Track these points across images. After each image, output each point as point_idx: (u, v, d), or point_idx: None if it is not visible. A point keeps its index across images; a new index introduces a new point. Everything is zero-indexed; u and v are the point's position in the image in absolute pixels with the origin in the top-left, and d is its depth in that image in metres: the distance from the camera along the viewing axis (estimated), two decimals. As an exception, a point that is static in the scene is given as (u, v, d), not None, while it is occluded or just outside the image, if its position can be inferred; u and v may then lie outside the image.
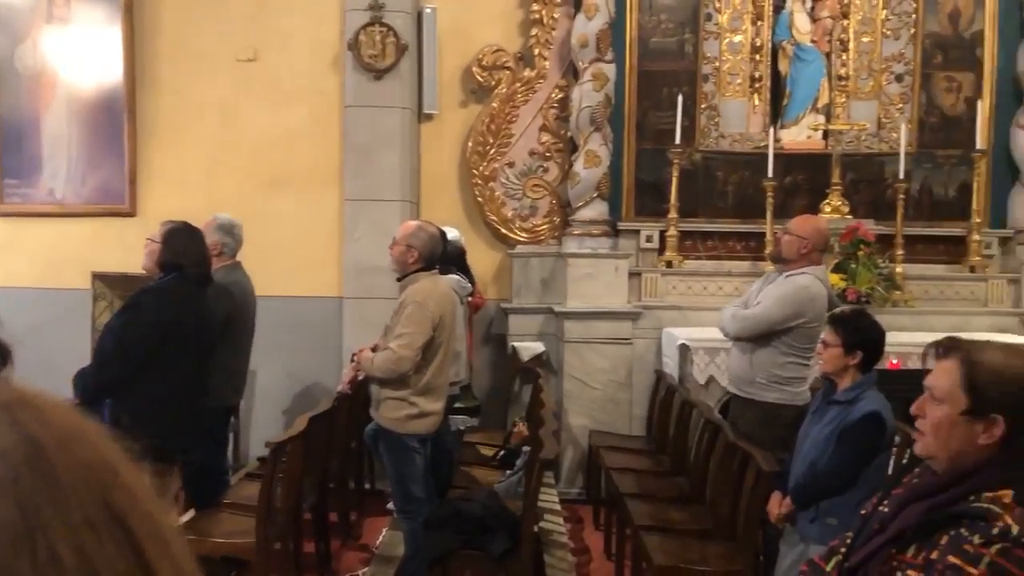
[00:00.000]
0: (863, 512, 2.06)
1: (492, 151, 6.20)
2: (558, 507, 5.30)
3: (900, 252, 5.77)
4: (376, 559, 4.60)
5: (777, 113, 6.16)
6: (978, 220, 5.94)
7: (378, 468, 5.17)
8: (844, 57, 6.16)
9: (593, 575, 4.61)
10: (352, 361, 4.20)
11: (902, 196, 5.81)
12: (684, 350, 5.37)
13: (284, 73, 6.12)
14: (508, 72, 6.21)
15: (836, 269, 5.53)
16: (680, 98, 5.91)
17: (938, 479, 1.85)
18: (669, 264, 5.94)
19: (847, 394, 3.33)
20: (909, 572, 1.75)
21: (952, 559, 1.67)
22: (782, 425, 4.10)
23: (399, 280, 3.95)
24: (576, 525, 5.28)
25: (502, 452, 5.02)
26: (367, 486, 5.46)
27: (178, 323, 3.60)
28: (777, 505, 3.47)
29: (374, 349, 3.96)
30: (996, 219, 6.15)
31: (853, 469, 3.22)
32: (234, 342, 4.28)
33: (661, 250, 6.01)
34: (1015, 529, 1.64)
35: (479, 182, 6.21)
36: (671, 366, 5.50)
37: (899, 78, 6.17)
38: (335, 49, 6.07)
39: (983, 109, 5.96)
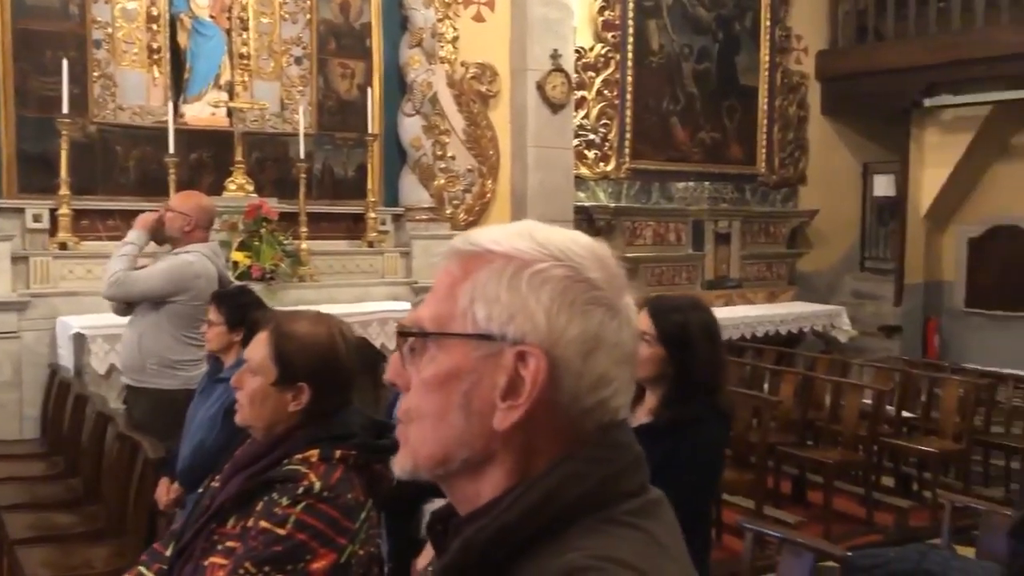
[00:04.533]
0: (199, 490, 2.05)
1: None
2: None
3: (304, 229, 6.02)
4: None
5: (179, 87, 5.97)
6: (374, 199, 6.47)
7: None
8: (245, 36, 6.19)
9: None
10: None
11: (304, 176, 6.06)
12: (80, 339, 4.93)
13: None
14: None
15: (241, 247, 5.57)
16: (66, 63, 5.35)
17: (257, 447, 1.91)
18: (63, 246, 5.40)
19: (232, 371, 3.34)
20: (228, 543, 1.76)
21: (263, 523, 1.72)
22: (177, 411, 4.00)
23: None
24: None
25: None
26: None
27: None
28: (165, 491, 3.38)
29: None
30: (390, 198, 6.77)
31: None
32: None
33: (53, 231, 5.43)
34: (318, 485, 1.75)
35: None
36: (67, 358, 5.01)
37: (298, 61, 6.41)
38: None
39: (373, 96, 6.49)
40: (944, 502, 3.27)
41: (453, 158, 7.11)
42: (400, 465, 0.91)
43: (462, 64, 7.11)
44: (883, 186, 9.49)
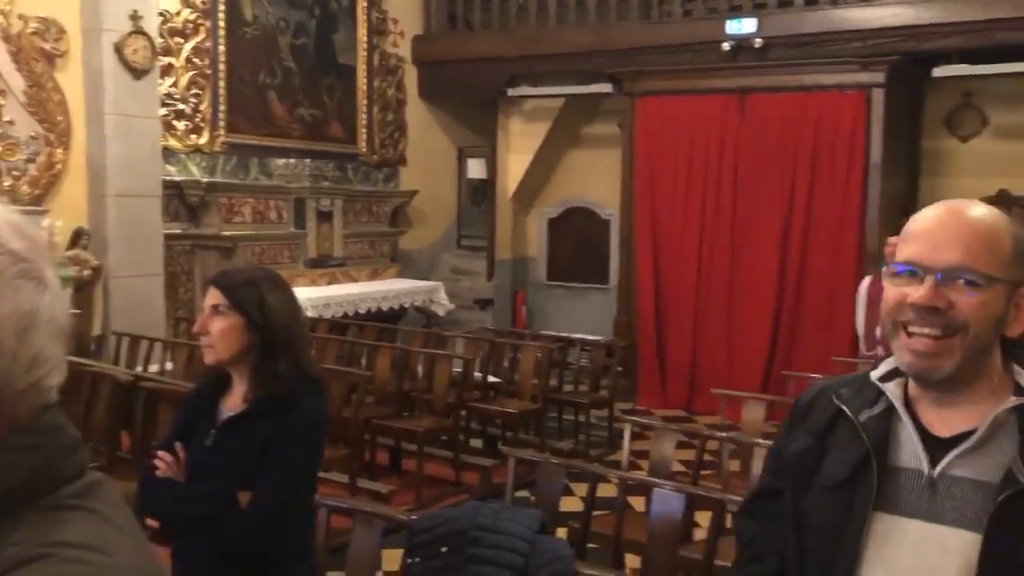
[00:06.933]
0: None
1: None
2: None
3: None
4: None
5: None
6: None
7: None
8: None
9: None
10: None
11: None
12: None
13: None
14: None
15: None
16: None
17: None
18: None
19: None
20: None
21: None
22: None
23: None
24: None
25: None
26: None
27: None
28: None
29: None
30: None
31: None
32: None
33: None
34: None
35: None
36: None
37: None
38: None
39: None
40: (509, 458, 3.53)
41: (12, 123, 6.25)
42: None
43: (20, 17, 6.26)
44: (476, 169, 10.13)
